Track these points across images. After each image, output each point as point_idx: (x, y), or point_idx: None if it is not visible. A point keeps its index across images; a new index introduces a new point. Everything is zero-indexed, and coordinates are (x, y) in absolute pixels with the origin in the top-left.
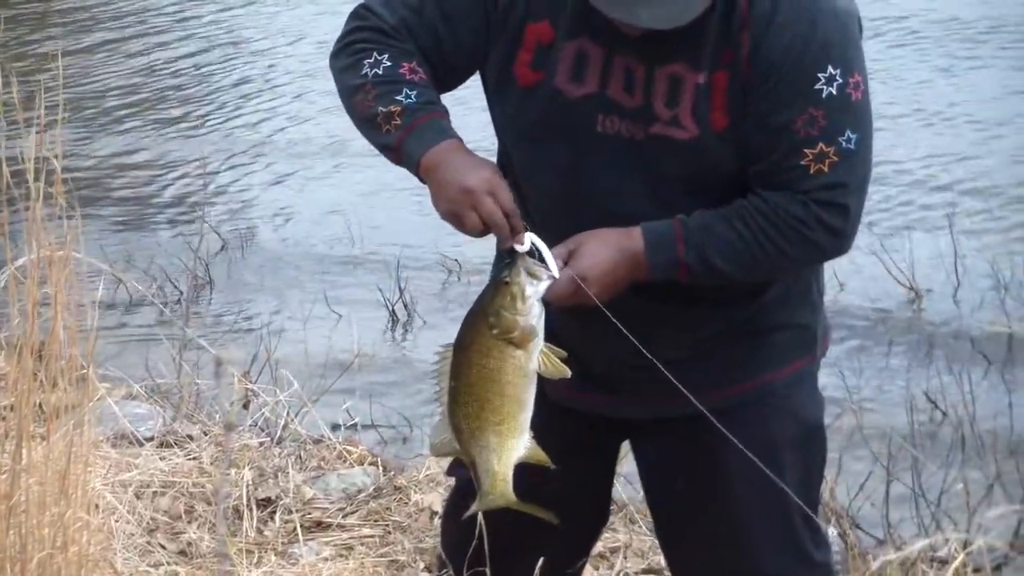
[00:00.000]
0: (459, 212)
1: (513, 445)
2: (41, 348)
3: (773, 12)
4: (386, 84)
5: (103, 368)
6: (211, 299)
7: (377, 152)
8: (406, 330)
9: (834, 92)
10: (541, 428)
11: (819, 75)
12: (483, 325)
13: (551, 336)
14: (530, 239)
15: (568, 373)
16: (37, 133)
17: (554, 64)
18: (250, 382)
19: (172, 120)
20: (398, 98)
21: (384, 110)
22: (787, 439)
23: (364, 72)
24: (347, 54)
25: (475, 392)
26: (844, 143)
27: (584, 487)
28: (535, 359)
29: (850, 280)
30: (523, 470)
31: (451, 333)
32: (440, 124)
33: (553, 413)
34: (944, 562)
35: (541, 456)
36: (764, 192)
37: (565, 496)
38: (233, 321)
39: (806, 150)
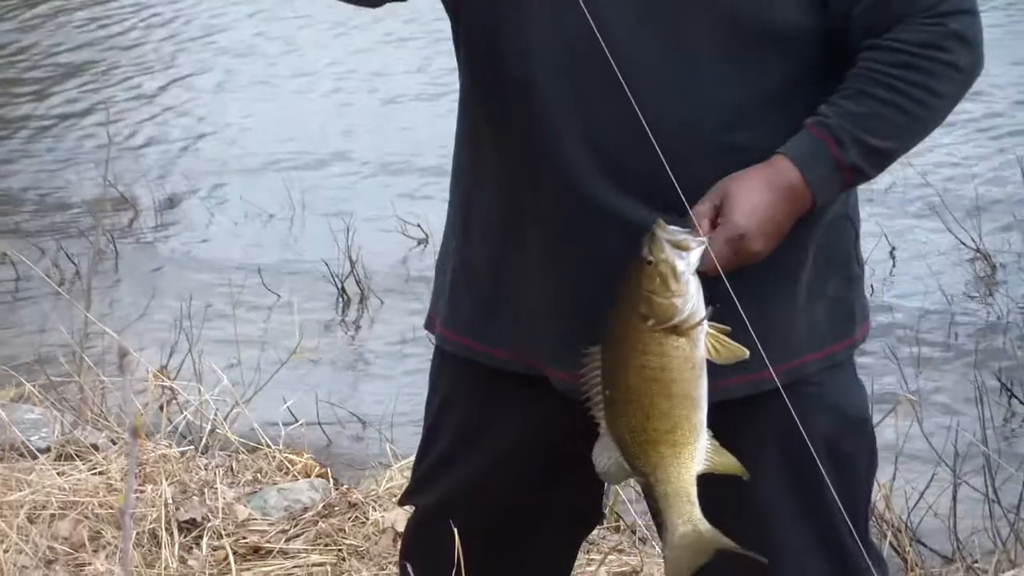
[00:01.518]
0: None
1: (691, 454)
2: None
3: None
4: None
5: None
6: (118, 277)
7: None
8: (359, 311)
9: None
10: (482, 407)
11: None
12: (634, 318)
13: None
14: None
15: (746, 353)
16: None
17: None
18: (168, 379)
19: (73, 69)
20: None
21: None
22: (825, 435)
23: None
24: None
25: (637, 399)
26: None
27: (583, 490)
28: (702, 344)
29: (904, 246)
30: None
31: (412, 312)
32: None
33: (487, 396)
34: None
35: (730, 463)
36: (878, 40)
37: (563, 505)
38: (146, 304)
39: None
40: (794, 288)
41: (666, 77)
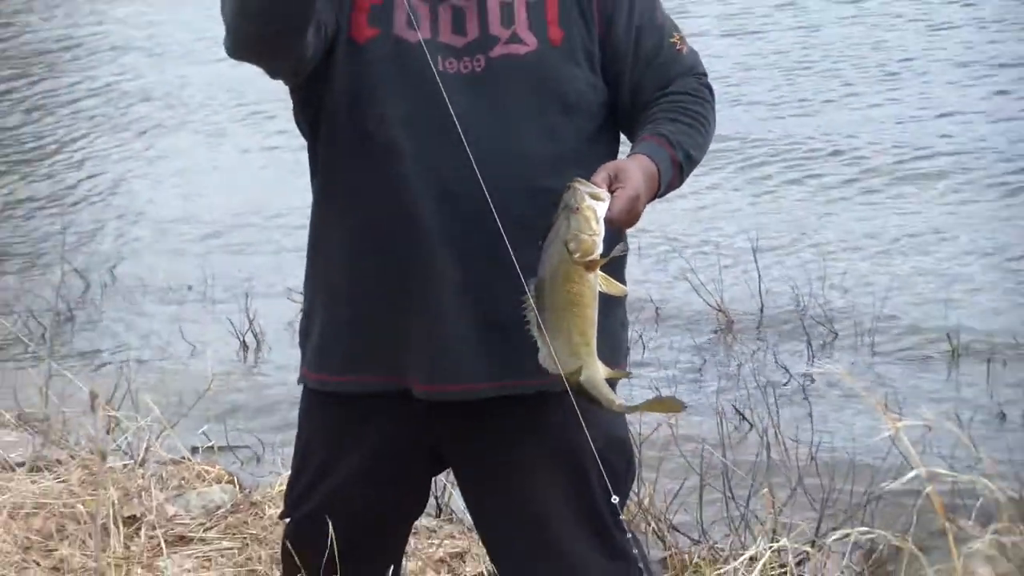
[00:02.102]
0: None
1: (596, 361)
2: None
3: None
4: None
5: None
6: (74, 334)
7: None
8: (256, 358)
9: None
10: (344, 427)
11: None
12: (565, 252)
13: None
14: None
15: (626, 291)
16: None
17: (389, 17)
18: (114, 410)
19: (24, 161)
20: None
21: None
22: (597, 450)
23: None
24: None
25: (567, 318)
26: (674, 27)
27: (408, 485)
28: (598, 280)
29: (665, 304)
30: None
31: (296, 359)
32: None
33: (347, 417)
34: (754, 559)
35: (619, 372)
36: (668, 89)
37: (391, 518)
38: (95, 353)
39: (673, 36)
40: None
41: (495, 138)
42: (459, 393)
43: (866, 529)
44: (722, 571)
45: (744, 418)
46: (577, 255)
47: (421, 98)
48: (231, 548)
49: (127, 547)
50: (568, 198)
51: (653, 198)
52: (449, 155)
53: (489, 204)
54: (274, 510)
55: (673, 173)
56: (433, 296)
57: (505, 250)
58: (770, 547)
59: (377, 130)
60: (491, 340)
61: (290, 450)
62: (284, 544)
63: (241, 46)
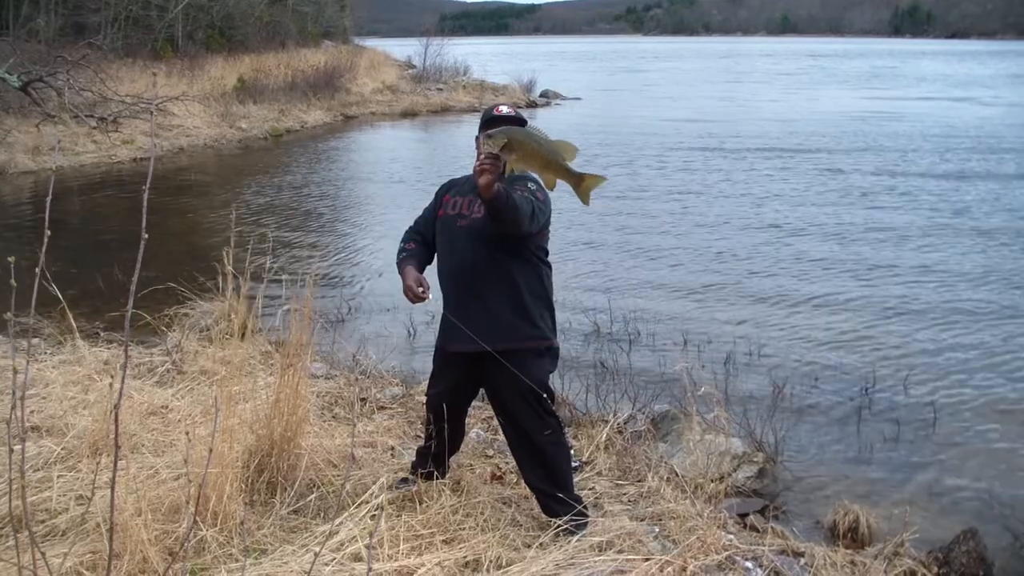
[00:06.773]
0: (407, 291)
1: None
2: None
3: None
4: (401, 249)
5: None
6: (349, 319)
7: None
8: (414, 335)
9: None
10: (442, 366)
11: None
12: (487, 147)
13: (449, 306)
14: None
15: (500, 142)
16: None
17: (447, 207)
18: (359, 354)
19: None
20: (402, 253)
21: (399, 256)
22: (535, 379)
23: (400, 246)
24: (401, 240)
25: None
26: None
27: (468, 395)
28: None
29: (570, 307)
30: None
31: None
32: (406, 260)
33: (443, 362)
34: (605, 422)
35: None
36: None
37: (461, 401)
38: (358, 329)
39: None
40: (522, 302)
41: (478, 263)
42: (476, 349)
43: (658, 406)
44: (591, 430)
45: (604, 365)
46: (500, 149)
47: (452, 235)
48: (402, 411)
49: (361, 408)
50: (488, 137)
51: (492, 194)
52: (459, 258)
53: (467, 271)
54: (420, 397)
55: (505, 200)
56: (460, 315)
57: (476, 289)
58: (612, 416)
59: (441, 248)
60: (482, 329)
61: (426, 372)
62: (426, 407)
63: None
